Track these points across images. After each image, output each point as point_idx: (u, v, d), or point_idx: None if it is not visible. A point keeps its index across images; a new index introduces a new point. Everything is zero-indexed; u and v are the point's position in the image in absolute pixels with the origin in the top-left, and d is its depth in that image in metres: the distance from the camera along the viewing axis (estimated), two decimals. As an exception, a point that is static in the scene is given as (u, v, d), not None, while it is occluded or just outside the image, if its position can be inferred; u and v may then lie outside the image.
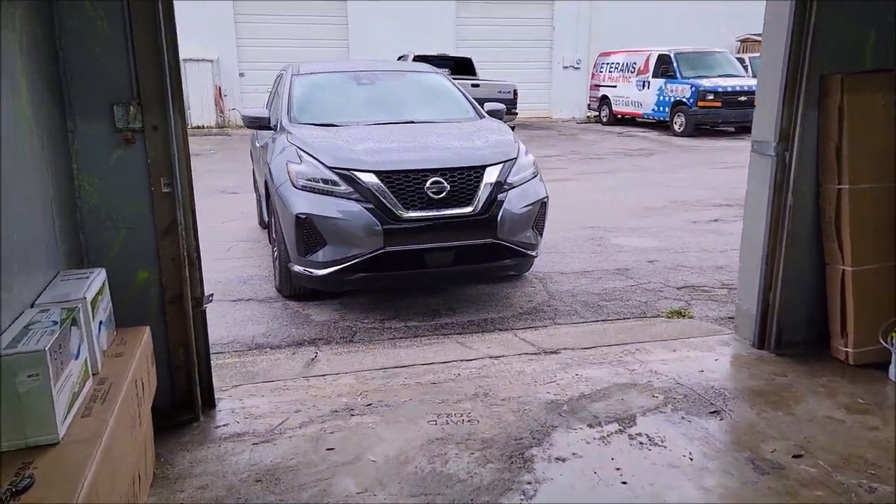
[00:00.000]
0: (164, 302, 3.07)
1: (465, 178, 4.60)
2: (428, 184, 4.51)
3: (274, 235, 5.21)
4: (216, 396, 3.34)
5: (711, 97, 15.42)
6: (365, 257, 4.44)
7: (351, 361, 3.86)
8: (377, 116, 5.49)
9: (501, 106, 6.11)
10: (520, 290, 5.25)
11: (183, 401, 3.16)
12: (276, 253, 5.20)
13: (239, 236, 7.15)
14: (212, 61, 18.67)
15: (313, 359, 3.93)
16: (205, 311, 3.21)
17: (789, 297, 3.79)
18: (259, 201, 7.27)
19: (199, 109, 18.58)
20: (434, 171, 4.55)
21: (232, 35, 19.18)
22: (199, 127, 18.47)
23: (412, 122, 5.42)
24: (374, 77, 6.15)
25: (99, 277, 2.52)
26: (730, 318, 4.54)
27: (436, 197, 4.52)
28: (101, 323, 2.42)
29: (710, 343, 4.04)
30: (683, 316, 4.63)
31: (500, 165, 4.74)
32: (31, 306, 2.18)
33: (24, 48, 2.35)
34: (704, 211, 8.15)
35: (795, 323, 3.85)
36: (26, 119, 2.32)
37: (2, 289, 1.95)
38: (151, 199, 2.97)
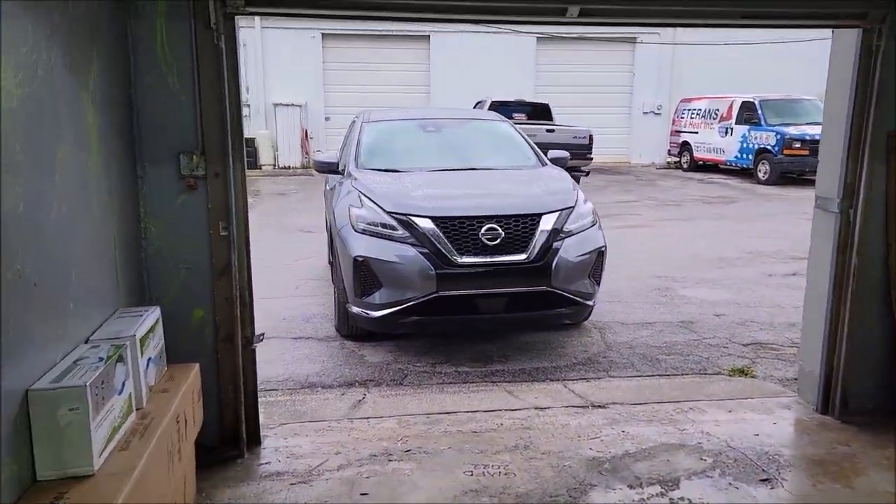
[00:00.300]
0: (217, 340, 3.23)
1: (520, 225, 4.62)
2: (483, 230, 4.56)
3: (335, 276, 5.37)
4: (262, 434, 3.45)
5: (798, 145, 14.83)
6: (418, 301, 4.50)
7: (396, 405, 3.90)
8: (440, 163, 5.61)
9: (565, 154, 6.13)
10: (576, 340, 5.17)
11: (229, 437, 3.28)
12: (336, 293, 5.35)
13: (309, 274, 7.38)
14: (300, 106, 19.57)
15: (360, 400, 3.99)
16: (254, 350, 3.34)
17: (856, 360, 3.57)
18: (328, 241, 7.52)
19: (286, 151, 19.45)
20: (489, 218, 4.60)
21: (320, 81, 20.08)
22: (285, 167, 19.31)
23: (473, 169, 5.51)
24: (440, 125, 6.30)
25: (152, 316, 2.68)
26: (795, 379, 4.31)
27: (490, 243, 4.56)
28: (149, 359, 2.57)
29: (770, 405, 3.85)
30: (746, 375, 4.42)
31: (557, 213, 4.74)
32: (86, 342, 2.35)
33: (98, 101, 2.58)
34: (782, 263, 7.80)
35: (863, 388, 3.62)
36: (94, 166, 2.53)
37: (50, 325, 2.12)
38: (210, 241, 3.15)
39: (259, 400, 3.50)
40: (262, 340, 3.40)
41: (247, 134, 18.68)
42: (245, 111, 19.59)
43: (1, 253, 1.78)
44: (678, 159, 19.28)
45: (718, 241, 9.23)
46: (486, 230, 4.56)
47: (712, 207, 12.62)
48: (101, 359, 2.16)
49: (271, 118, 19.56)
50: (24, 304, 1.91)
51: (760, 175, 15.65)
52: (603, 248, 4.89)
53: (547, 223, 4.67)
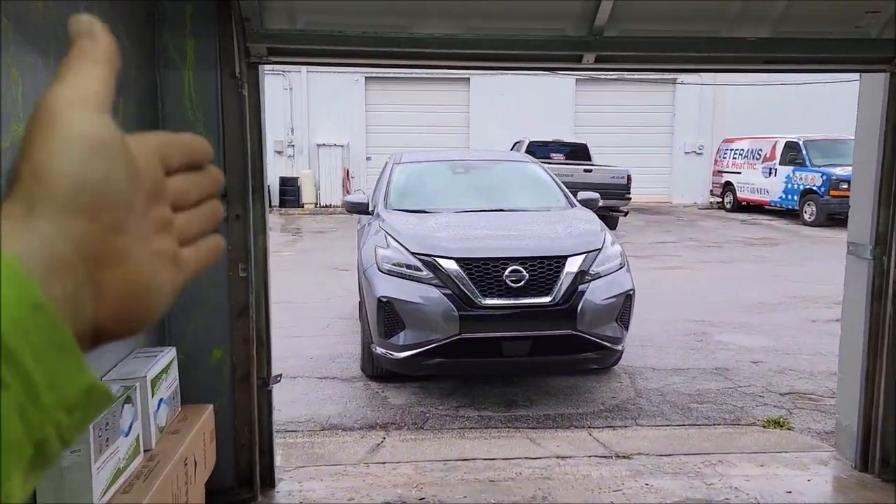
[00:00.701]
0: (235, 380, 3.25)
1: (544, 268, 4.58)
2: (507, 272, 4.52)
3: (361, 315, 5.39)
4: (278, 477, 3.43)
5: (846, 186, 14.38)
6: (441, 343, 4.47)
7: (414, 450, 3.85)
8: (467, 204, 5.62)
9: (595, 195, 6.08)
10: (605, 385, 5.05)
11: (244, 479, 3.27)
12: (362, 332, 5.36)
13: (341, 312, 7.42)
14: (342, 146, 19.99)
15: (379, 444, 3.95)
16: (271, 391, 3.34)
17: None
18: (360, 281, 7.57)
19: (328, 190, 19.83)
20: (513, 260, 4.57)
21: (362, 122, 20.52)
22: (326, 206, 19.65)
23: (500, 211, 5.51)
24: (470, 166, 6.34)
25: (166, 357, 2.72)
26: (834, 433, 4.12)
27: (514, 285, 4.52)
28: (161, 400, 2.60)
29: (805, 460, 3.67)
30: (782, 426, 4.24)
31: (583, 255, 4.68)
32: (99, 381, 2.39)
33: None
34: (826, 309, 7.52)
35: (904, 445, 3.42)
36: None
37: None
38: (229, 282, 3.19)
39: (278, 441, 3.50)
40: (279, 381, 3.40)
41: (291, 174, 19.37)
42: (290, 151, 20.17)
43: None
44: (721, 199, 18.96)
45: (760, 284, 8.98)
46: (510, 272, 4.53)
47: (755, 249, 12.32)
48: (109, 400, 2.19)
49: (314, 158, 20.01)
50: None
51: (806, 216, 15.27)
52: (631, 291, 4.80)
53: (573, 265, 4.61)
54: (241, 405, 3.25)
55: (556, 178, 6.25)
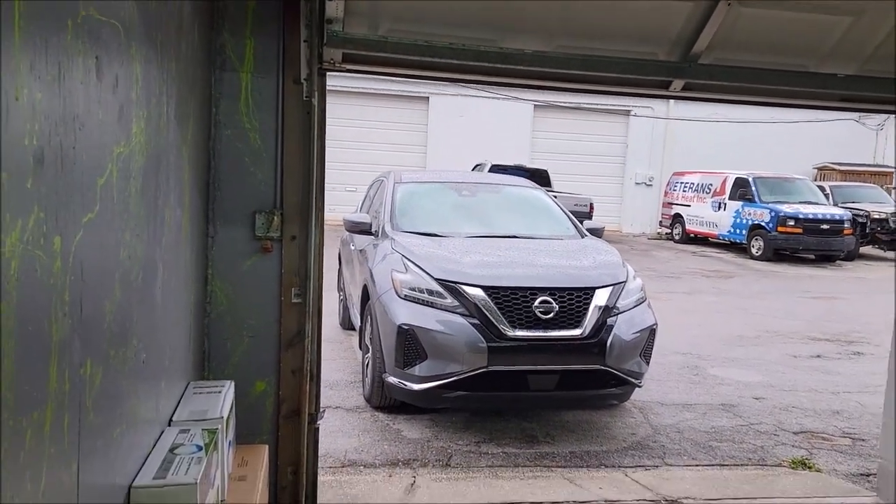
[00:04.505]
0: (279, 416, 2.93)
1: (573, 299, 4.44)
2: (536, 302, 4.36)
3: (367, 342, 5.10)
4: (316, 522, 3.12)
5: (792, 223, 15.07)
6: (466, 375, 4.25)
7: (453, 492, 3.60)
8: (479, 229, 5.44)
9: (601, 225, 6.02)
10: (620, 421, 4.93)
11: (284, 525, 2.95)
12: (367, 361, 5.07)
13: (323, 335, 7.06)
14: (294, 159, 19.45)
15: (412, 484, 3.68)
16: (318, 428, 3.05)
17: (947, 461, 3.39)
18: (343, 302, 7.24)
19: (277, 203, 19.21)
20: (543, 290, 4.41)
21: (316, 135, 20.04)
22: (275, 220, 19.03)
23: (515, 237, 5.34)
24: (475, 189, 6.17)
25: (230, 391, 2.41)
26: (861, 474, 4.12)
27: (543, 316, 4.36)
28: (229, 442, 2.29)
29: (852, 506, 3.63)
30: (809, 468, 4.21)
31: (610, 288, 4.57)
32: (169, 424, 2.07)
33: (191, 157, 2.37)
34: (803, 344, 7.70)
35: (955, 493, 3.42)
36: (186, 227, 2.31)
37: (148, 408, 1.85)
38: (280, 308, 2.90)
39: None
40: (323, 416, 3.11)
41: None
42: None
43: (127, 328, 1.54)
44: (670, 231, 19.46)
45: (729, 317, 9.13)
46: (540, 302, 4.36)
47: (712, 282, 12.60)
48: (198, 447, 1.88)
49: (265, 170, 19.38)
50: (134, 386, 1.66)
51: (754, 251, 15.80)
52: (654, 327, 4.71)
53: (601, 298, 4.49)
54: (286, 444, 2.93)
55: (562, 206, 6.15)
